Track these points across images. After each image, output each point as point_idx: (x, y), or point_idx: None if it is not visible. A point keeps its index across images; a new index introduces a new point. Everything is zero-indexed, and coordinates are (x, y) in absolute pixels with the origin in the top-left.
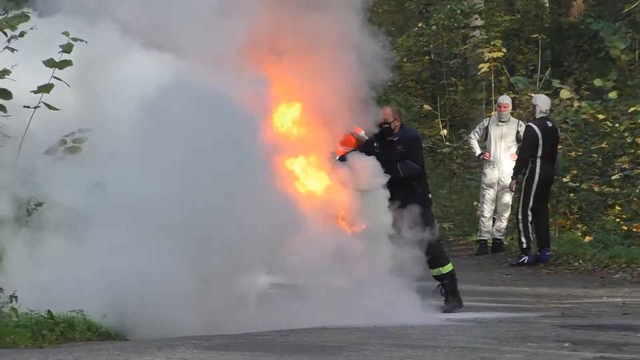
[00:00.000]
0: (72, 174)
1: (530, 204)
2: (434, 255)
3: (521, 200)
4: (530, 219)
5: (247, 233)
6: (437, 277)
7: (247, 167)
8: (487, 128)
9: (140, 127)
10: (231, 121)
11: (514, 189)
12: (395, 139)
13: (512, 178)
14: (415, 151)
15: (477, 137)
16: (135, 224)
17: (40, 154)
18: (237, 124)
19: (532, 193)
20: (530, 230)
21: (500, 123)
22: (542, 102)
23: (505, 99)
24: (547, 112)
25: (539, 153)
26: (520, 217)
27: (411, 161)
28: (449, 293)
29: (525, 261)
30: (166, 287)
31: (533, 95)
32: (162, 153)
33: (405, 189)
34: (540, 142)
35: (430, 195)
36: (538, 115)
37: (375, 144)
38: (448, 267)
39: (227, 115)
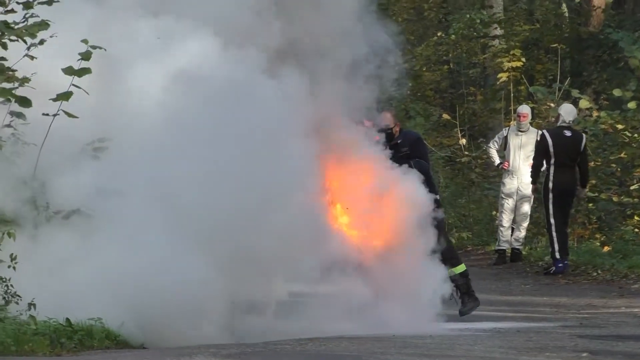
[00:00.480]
0: (96, 179)
1: (551, 211)
2: (445, 256)
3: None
4: (553, 227)
5: (278, 243)
6: (450, 279)
7: (286, 178)
8: (506, 137)
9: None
10: (282, 134)
11: (535, 194)
12: (399, 141)
13: (532, 183)
14: (421, 148)
15: (496, 147)
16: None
17: (61, 159)
18: (287, 135)
19: (550, 201)
20: (555, 238)
21: (520, 133)
22: (565, 111)
23: (525, 109)
24: (570, 122)
25: (552, 161)
26: (547, 226)
27: (419, 159)
28: (464, 294)
29: (552, 271)
30: (196, 296)
31: (553, 105)
32: (215, 163)
33: None
34: (552, 150)
35: (438, 197)
36: (559, 124)
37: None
38: (460, 268)
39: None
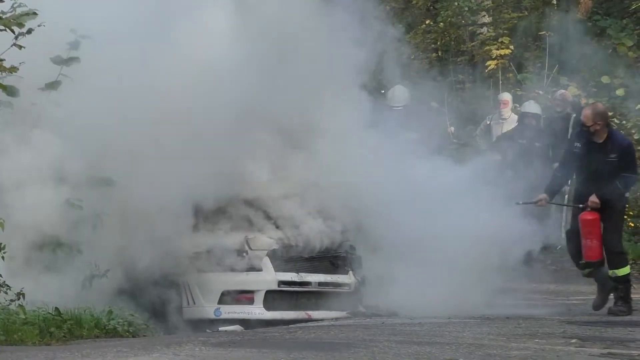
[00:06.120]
0: None
1: None
2: (609, 258)
3: None
4: None
5: None
6: (611, 279)
7: None
8: (489, 125)
9: None
10: None
11: None
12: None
13: None
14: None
15: (481, 135)
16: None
17: None
18: None
19: None
20: None
21: (501, 120)
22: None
23: (505, 96)
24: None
25: None
26: None
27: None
28: (619, 298)
29: None
30: None
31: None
32: None
33: None
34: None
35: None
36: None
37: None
38: (623, 271)
39: None
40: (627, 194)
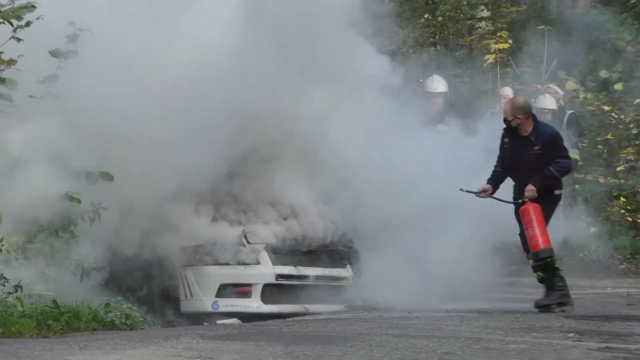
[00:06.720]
0: None
1: None
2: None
3: None
4: None
5: None
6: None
7: None
8: (491, 119)
9: None
10: None
11: None
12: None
13: None
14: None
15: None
16: None
17: None
18: None
19: None
20: None
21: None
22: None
23: (506, 90)
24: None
25: None
26: None
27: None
28: (547, 287)
29: None
30: None
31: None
32: None
33: None
34: None
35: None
36: None
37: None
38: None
39: None
40: (558, 191)
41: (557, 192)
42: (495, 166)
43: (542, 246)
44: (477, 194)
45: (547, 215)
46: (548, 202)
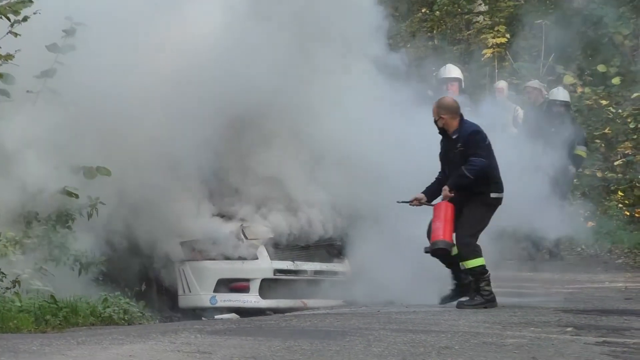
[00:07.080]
0: None
1: None
2: (458, 249)
3: None
4: None
5: None
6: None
7: None
8: None
9: None
10: None
11: None
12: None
13: None
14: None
15: None
16: None
17: None
18: None
19: None
20: None
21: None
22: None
23: (501, 83)
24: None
25: None
26: None
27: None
28: (473, 290)
29: None
30: None
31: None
32: None
33: None
34: None
35: None
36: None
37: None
38: (471, 263)
39: None
40: (495, 194)
41: (493, 195)
42: (438, 173)
43: (441, 238)
44: (410, 202)
45: (478, 217)
46: (478, 204)
